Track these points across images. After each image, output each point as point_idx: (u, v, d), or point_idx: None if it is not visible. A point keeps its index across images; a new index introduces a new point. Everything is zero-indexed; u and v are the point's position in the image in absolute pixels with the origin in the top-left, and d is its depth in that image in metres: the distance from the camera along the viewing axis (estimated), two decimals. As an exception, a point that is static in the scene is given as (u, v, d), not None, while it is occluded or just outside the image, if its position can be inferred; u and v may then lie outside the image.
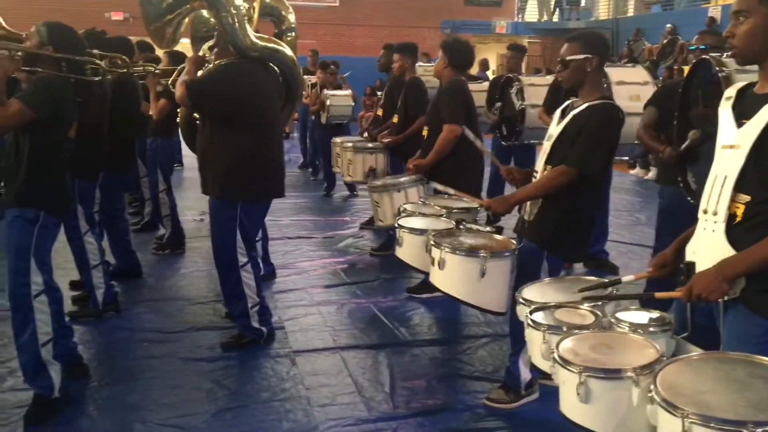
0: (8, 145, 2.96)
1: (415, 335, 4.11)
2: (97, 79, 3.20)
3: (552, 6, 21.62)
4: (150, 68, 5.08)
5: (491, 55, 18.66)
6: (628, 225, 6.89)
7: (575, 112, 2.96)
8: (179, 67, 4.25)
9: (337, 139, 6.53)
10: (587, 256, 4.92)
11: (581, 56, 2.90)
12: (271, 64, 3.66)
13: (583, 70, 2.93)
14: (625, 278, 2.44)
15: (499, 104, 6.00)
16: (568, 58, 2.92)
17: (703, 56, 3.28)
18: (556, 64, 3.07)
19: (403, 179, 4.67)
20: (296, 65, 3.88)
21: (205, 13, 4.00)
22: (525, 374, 3.18)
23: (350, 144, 5.86)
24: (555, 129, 3.05)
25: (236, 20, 3.37)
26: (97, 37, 4.30)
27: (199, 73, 3.63)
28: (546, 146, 3.07)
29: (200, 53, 3.82)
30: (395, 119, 5.82)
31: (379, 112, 6.60)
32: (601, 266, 5.27)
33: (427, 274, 4.54)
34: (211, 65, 3.58)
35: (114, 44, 4.66)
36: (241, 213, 3.65)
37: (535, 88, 5.74)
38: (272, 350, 3.79)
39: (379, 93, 16.95)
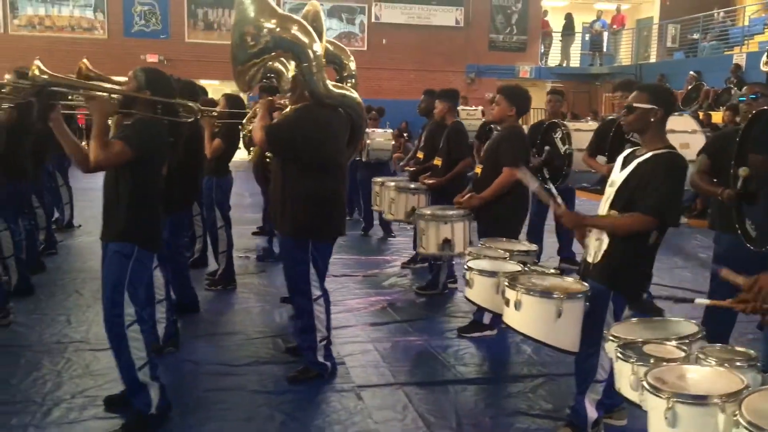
0: (107, 183, 3.17)
1: (472, 373, 4.20)
2: (189, 120, 3.41)
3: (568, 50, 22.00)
4: (215, 112, 5.31)
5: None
6: (668, 268, 6.95)
7: (640, 160, 3.10)
8: (251, 111, 4.47)
9: (378, 179, 6.73)
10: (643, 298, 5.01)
11: (647, 106, 3.05)
12: (340, 108, 3.86)
13: (646, 118, 3.08)
14: (698, 300, 2.59)
15: (547, 148, 6.16)
16: (635, 104, 3.08)
17: (764, 107, 3.41)
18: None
19: (451, 212, 4.84)
20: (362, 109, 4.10)
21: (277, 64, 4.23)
22: (591, 413, 3.26)
23: (393, 183, 6.03)
24: (618, 176, 3.18)
25: (315, 70, 3.59)
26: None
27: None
28: (609, 192, 3.21)
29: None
30: (437, 161, 6.00)
31: (420, 155, 6.80)
32: (647, 310, 5.32)
33: (482, 314, 4.73)
34: (288, 110, 3.79)
35: (183, 88, 4.90)
36: (313, 249, 3.80)
37: (582, 133, 5.90)
38: (337, 384, 3.89)
39: (405, 135, 17.43)
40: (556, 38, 21.99)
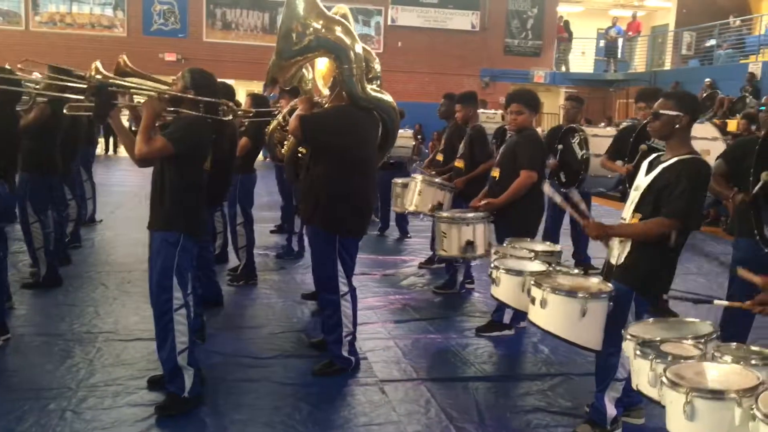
0: (154, 176, 3.35)
1: (491, 370, 4.29)
2: (229, 119, 3.55)
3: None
4: (251, 112, 5.44)
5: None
6: (682, 275, 7.01)
7: (665, 165, 3.19)
8: (291, 104, 4.61)
9: (398, 180, 6.82)
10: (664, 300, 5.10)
11: (673, 112, 3.14)
12: (375, 111, 3.97)
13: (672, 125, 3.17)
14: (717, 301, 2.68)
15: (560, 147, 6.24)
16: (661, 111, 3.16)
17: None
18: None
19: (470, 215, 4.91)
20: (397, 114, 4.19)
21: (319, 64, 4.35)
22: (611, 410, 3.35)
23: (420, 177, 6.10)
24: (643, 180, 3.27)
25: (355, 72, 3.70)
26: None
27: None
28: (634, 195, 3.30)
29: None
30: (458, 164, 6.09)
31: (439, 157, 6.90)
32: (662, 314, 5.40)
33: (500, 315, 4.83)
34: (326, 107, 3.91)
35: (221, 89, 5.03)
36: (339, 245, 3.91)
37: (599, 139, 5.98)
38: (360, 379, 4.00)
39: (419, 137, 17.52)
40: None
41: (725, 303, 2.80)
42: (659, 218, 3.06)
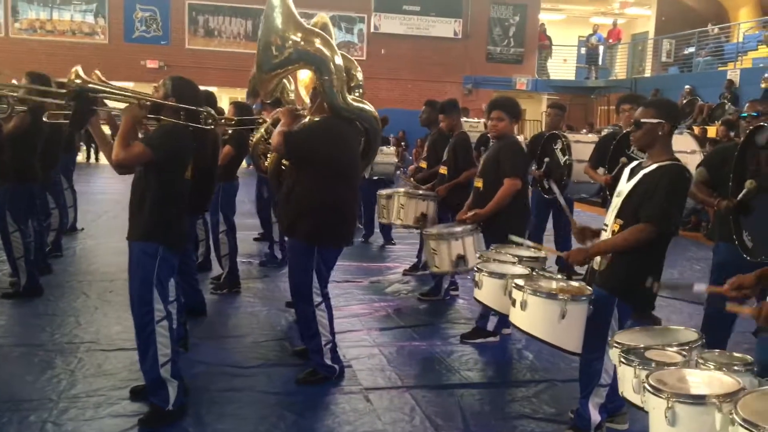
0: (134, 185, 3.30)
1: (476, 377, 4.30)
2: (210, 127, 3.52)
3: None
4: (232, 120, 5.42)
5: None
6: (664, 279, 7.07)
7: (645, 171, 3.22)
8: (272, 115, 4.59)
9: (383, 192, 6.82)
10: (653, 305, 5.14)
11: (655, 120, 3.17)
12: (357, 122, 3.97)
13: (654, 133, 3.20)
14: (697, 286, 2.73)
15: (547, 160, 6.29)
16: (642, 120, 3.20)
17: (762, 123, 3.55)
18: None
19: (458, 229, 4.91)
20: (378, 122, 4.20)
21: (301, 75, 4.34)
22: (595, 416, 3.36)
23: (402, 190, 6.13)
24: (625, 186, 3.30)
25: (335, 83, 3.70)
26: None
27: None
28: (616, 202, 3.33)
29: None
30: (442, 170, 6.11)
31: (423, 164, 6.92)
32: (644, 318, 5.45)
33: (485, 322, 4.84)
34: (306, 120, 3.90)
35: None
36: (318, 256, 3.90)
37: (581, 145, 6.03)
38: (345, 387, 3.98)
39: (402, 144, 17.57)
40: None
41: (704, 287, 2.87)
42: (634, 226, 3.09)
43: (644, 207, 3.10)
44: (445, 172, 6.01)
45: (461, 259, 4.79)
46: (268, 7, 3.62)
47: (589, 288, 3.25)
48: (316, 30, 3.85)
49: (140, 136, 3.35)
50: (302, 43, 3.67)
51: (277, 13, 3.59)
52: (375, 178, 8.40)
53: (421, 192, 6.02)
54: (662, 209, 3.06)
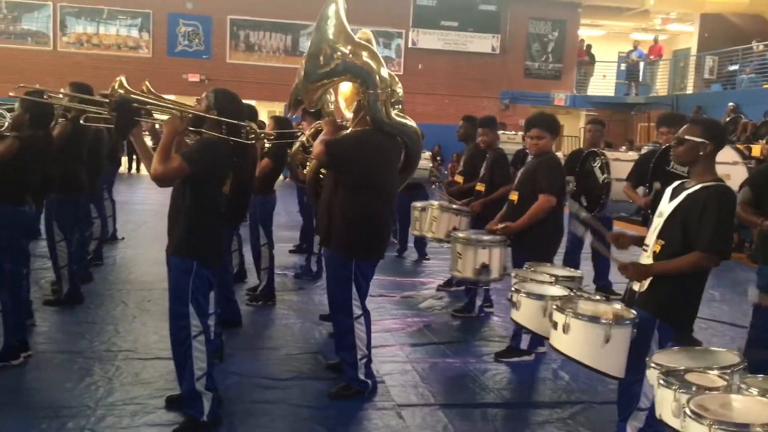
0: (173, 197, 3.33)
1: (511, 397, 4.23)
2: (251, 141, 3.56)
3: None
4: (272, 134, 5.48)
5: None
6: (706, 301, 6.88)
7: (689, 191, 3.16)
8: (314, 126, 4.63)
9: (418, 204, 6.81)
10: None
11: (698, 139, 3.11)
12: (399, 137, 3.98)
13: (696, 152, 3.14)
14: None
15: (571, 179, 6.22)
16: (686, 137, 3.14)
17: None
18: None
19: (487, 237, 4.87)
20: (419, 138, 4.20)
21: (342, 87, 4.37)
22: (632, 440, 3.28)
23: (436, 203, 6.12)
24: (667, 206, 3.24)
25: (380, 97, 3.73)
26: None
27: None
28: (657, 222, 3.27)
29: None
30: (479, 187, 6.08)
31: (459, 179, 6.90)
32: (687, 342, 5.31)
33: (518, 340, 4.77)
34: (349, 131, 3.93)
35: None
36: (356, 268, 3.91)
37: (620, 163, 5.94)
38: (377, 402, 3.96)
39: (438, 159, 17.54)
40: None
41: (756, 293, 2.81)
42: (696, 254, 3.02)
43: (699, 237, 3.02)
44: (482, 189, 5.98)
45: (485, 268, 4.76)
46: (321, 19, 3.67)
47: (633, 311, 3.19)
48: (364, 43, 3.87)
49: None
50: (350, 55, 3.70)
51: (330, 25, 3.63)
52: (411, 182, 8.35)
53: (455, 206, 6.00)
54: (719, 236, 3.01)
